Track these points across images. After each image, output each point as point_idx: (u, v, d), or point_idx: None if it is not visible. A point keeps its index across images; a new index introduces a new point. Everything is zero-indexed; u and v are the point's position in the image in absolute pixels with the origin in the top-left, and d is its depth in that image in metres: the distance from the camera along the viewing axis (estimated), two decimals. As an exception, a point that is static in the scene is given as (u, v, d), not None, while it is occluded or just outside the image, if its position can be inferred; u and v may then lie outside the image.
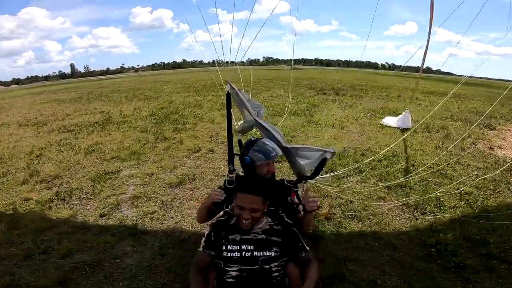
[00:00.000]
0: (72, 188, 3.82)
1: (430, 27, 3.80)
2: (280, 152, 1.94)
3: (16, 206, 3.38)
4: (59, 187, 3.91)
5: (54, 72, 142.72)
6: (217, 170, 4.30)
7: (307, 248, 1.62)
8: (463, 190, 3.53)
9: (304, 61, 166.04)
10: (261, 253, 1.50)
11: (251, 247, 1.51)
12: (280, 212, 1.81)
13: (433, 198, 3.43)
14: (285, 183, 2.07)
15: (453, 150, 5.25)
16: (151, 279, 2.23)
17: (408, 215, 3.13)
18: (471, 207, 3.30)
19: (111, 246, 2.61)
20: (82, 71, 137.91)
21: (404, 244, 2.63)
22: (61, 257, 2.46)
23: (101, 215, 3.15)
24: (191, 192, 3.63)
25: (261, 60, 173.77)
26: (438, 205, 3.30)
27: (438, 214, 3.13)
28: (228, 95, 2.11)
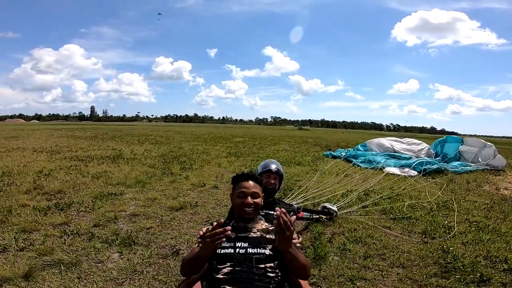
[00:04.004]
0: (72, 201, 3.81)
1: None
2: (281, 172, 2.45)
3: (11, 209, 3.36)
4: (59, 199, 3.91)
5: (75, 113, 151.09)
6: (219, 200, 4.28)
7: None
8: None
9: (310, 122, 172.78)
10: (255, 250, 1.43)
11: (245, 244, 1.45)
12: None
13: (441, 225, 3.37)
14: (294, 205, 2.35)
15: (458, 191, 5.24)
16: (131, 284, 2.09)
17: (416, 240, 3.00)
18: (482, 231, 3.19)
19: (97, 251, 2.51)
20: (101, 115, 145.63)
21: (416, 264, 2.48)
22: (37, 255, 2.37)
23: (95, 225, 3.09)
24: (191, 216, 3.57)
25: (269, 119, 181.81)
26: (448, 231, 3.21)
27: (449, 239, 3.01)
28: None
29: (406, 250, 2.76)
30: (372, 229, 3.26)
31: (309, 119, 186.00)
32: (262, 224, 1.60)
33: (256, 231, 1.52)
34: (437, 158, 8.93)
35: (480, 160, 8.43)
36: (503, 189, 5.65)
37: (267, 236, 1.50)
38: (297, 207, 3.17)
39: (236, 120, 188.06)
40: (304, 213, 3.45)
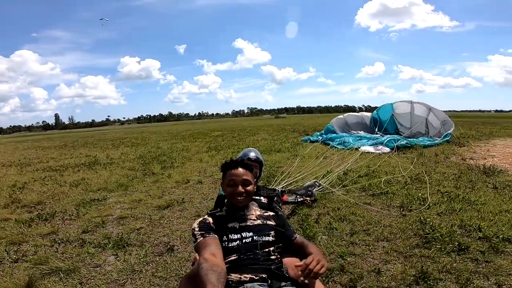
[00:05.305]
0: (55, 211, 3.71)
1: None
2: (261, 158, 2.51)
3: (-6, 225, 3.25)
4: (41, 210, 3.79)
5: (38, 123, 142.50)
6: (205, 194, 4.32)
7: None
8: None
9: (286, 110, 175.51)
10: (261, 238, 1.47)
11: (250, 233, 1.48)
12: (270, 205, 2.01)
13: (415, 198, 3.58)
14: (278, 189, 2.43)
15: (428, 164, 5.60)
16: (133, 284, 2.12)
17: (396, 214, 3.19)
18: (454, 201, 3.42)
19: (91, 256, 2.51)
20: (67, 122, 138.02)
21: (398, 236, 2.64)
22: (34, 265, 2.35)
23: (84, 231, 3.05)
24: (180, 212, 3.60)
25: (246, 111, 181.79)
26: (422, 203, 3.42)
27: (425, 210, 3.20)
28: None
29: (388, 224, 2.91)
30: (354, 207, 3.44)
31: (285, 107, 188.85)
32: (256, 210, 1.63)
33: (254, 218, 1.55)
34: (378, 125, 9.86)
35: (416, 115, 9.11)
36: (468, 159, 6.03)
37: (268, 222, 1.55)
38: (280, 191, 3.31)
39: (213, 114, 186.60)
40: (289, 198, 3.61)
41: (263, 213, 1.62)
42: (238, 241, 1.45)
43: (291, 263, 1.57)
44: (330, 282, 2.01)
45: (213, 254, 1.29)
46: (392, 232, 2.75)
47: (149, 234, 2.97)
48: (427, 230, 2.69)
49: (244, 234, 1.47)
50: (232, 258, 1.41)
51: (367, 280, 2.02)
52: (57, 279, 2.18)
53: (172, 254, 2.51)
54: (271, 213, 1.64)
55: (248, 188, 1.56)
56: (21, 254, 2.56)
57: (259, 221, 1.54)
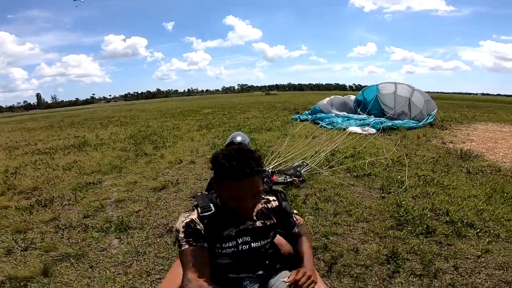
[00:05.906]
0: (53, 196, 3.80)
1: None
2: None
3: (-6, 214, 3.32)
4: (39, 196, 3.87)
5: (19, 103, 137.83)
6: (199, 175, 4.46)
7: (297, 222, 1.44)
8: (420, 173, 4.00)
9: (277, 87, 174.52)
10: (259, 243, 1.29)
11: (248, 238, 1.28)
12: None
13: (395, 180, 3.80)
14: (268, 170, 2.55)
15: (410, 146, 5.87)
16: (139, 265, 2.29)
17: (376, 196, 3.42)
18: (428, 185, 3.65)
19: (96, 240, 2.66)
20: (49, 101, 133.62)
21: (376, 218, 2.86)
22: (44, 252, 2.49)
23: (85, 216, 3.18)
24: (175, 194, 3.75)
25: (236, 87, 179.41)
26: (401, 185, 3.65)
27: (402, 193, 3.43)
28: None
29: (368, 206, 3.10)
30: (339, 188, 3.66)
31: (276, 84, 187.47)
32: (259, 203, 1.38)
33: (255, 218, 1.30)
34: (361, 106, 10.11)
35: (400, 95, 9.37)
36: (448, 143, 6.25)
37: (268, 222, 1.33)
38: (270, 171, 3.49)
39: (202, 91, 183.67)
40: (279, 179, 3.80)
41: (265, 203, 1.35)
42: (233, 248, 1.26)
43: (280, 243, 1.76)
44: (314, 259, 2.24)
45: (197, 272, 1.11)
46: (371, 213, 2.96)
47: (148, 216, 3.12)
48: (401, 213, 2.88)
49: (240, 240, 1.26)
50: (226, 261, 1.27)
51: (346, 258, 2.25)
52: (68, 264, 2.32)
53: (172, 235, 2.68)
54: (274, 203, 1.37)
55: (258, 199, 1.21)
56: (29, 242, 2.67)
57: (259, 223, 1.30)
